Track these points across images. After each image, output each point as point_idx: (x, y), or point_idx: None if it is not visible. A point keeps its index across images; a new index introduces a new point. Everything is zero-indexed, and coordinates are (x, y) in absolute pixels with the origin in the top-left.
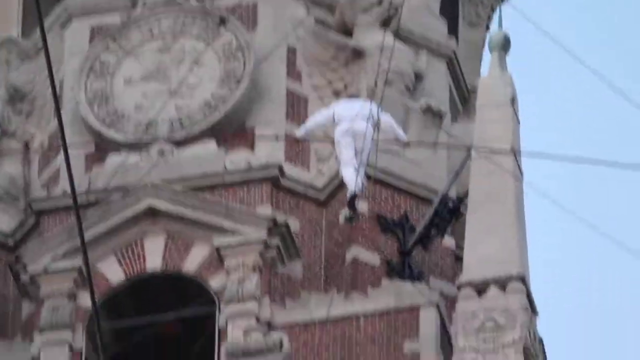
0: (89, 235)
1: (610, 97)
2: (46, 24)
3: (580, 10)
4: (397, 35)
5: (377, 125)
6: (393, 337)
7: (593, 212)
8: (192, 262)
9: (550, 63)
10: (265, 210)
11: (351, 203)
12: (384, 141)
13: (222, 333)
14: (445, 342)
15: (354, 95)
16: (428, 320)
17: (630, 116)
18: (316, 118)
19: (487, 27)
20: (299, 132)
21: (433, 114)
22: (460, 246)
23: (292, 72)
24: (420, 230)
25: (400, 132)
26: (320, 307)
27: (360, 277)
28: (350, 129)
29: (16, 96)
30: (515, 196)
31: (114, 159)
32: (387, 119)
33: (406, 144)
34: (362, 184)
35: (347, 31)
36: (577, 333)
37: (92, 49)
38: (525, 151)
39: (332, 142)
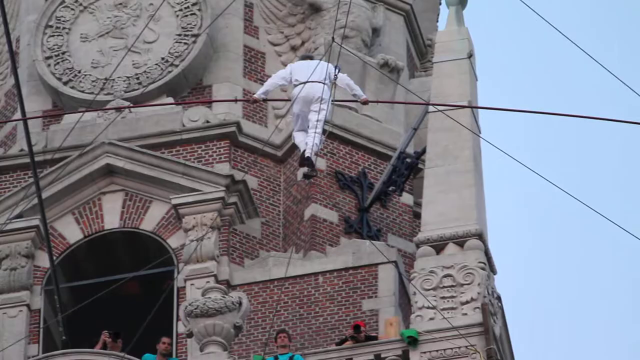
0: (46, 194)
1: (568, 50)
2: None
3: None
4: None
5: (333, 84)
6: (352, 295)
7: (552, 168)
8: (151, 221)
9: (508, 17)
10: (223, 167)
11: (303, 164)
12: (340, 101)
13: (181, 292)
14: (404, 300)
15: (311, 50)
16: (386, 279)
17: (589, 69)
18: (273, 79)
19: None
20: (257, 95)
21: (390, 69)
22: (418, 203)
23: (249, 27)
24: (378, 186)
25: (358, 90)
26: (279, 266)
27: (319, 235)
28: (308, 91)
29: None
30: (473, 152)
31: (71, 117)
32: (344, 78)
33: (364, 103)
34: (320, 141)
35: None
36: (536, 289)
37: (49, 5)
38: (483, 106)
39: (289, 101)
